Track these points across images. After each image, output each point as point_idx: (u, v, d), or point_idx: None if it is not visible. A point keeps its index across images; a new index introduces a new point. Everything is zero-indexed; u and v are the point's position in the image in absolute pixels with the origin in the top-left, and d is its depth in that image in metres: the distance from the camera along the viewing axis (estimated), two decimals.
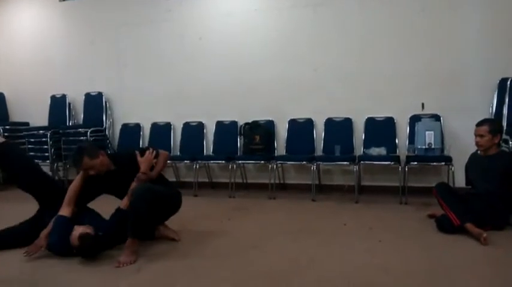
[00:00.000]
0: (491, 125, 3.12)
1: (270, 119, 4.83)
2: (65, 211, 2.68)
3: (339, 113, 4.62)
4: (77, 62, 5.64)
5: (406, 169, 4.07)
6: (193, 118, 5.13)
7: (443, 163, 3.96)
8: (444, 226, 3.00)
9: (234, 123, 4.93)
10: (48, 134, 5.14)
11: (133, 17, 5.35)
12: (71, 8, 5.70)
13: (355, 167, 4.20)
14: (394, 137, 4.41)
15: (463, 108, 4.25)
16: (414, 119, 4.31)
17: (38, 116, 5.65)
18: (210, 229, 3.28)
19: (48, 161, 5.14)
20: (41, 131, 5.17)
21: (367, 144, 4.43)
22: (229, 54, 5.00)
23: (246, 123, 4.76)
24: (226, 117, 4.99)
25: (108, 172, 2.76)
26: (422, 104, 4.38)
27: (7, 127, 5.44)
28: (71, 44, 5.69)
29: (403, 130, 4.42)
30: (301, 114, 4.74)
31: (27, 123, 5.71)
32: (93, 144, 2.87)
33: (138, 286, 2.21)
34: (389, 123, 4.44)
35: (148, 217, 2.58)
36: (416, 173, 4.24)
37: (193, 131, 5.10)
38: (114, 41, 5.47)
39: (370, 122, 4.51)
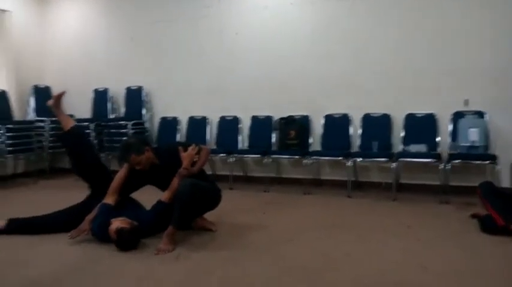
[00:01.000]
0: None
1: (306, 114, 4.80)
2: (109, 199, 2.80)
3: (376, 109, 4.52)
4: (118, 57, 5.83)
5: (448, 167, 3.93)
6: (229, 112, 5.19)
7: (487, 162, 3.80)
8: (488, 226, 2.89)
9: (269, 118, 4.95)
10: (92, 126, 5.36)
11: (172, 14, 5.46)
12: (112, 4, 5.90)
13: (393, 165, 4.11)
14: (435, 134, 4.27)
15: (509, 104, 4.05)
16: (457, 116, 4.16)
17: (83, 108, 5.89)
18: (246, 222, 3.31)
19: None
20: (85, 123, 5.39)
21: (406, 141, 4.32)
22: (265, 49, 5.01)
23: (282, 118, 4.76)
24: (262, 112, 5.01)
25: (152, 165, 2.87)
26: (466, 100, 4.21)
27: (53, 119, 5.70)
28: (113, 40, 5.89)
29: (444, 127, 4.27)
30: (337, 110, 4.68)
31: (72, 116, 5.95)
32: (139, 139, 2.96)
33: (176, 273, 2.28)
34: (430, 120, 4.31)
35: (192, 210, 2.68)
36: (458, 172, 4.08)
37: (228, 125, 5.15)
38: (154, 37, 5.61)
39: (410, 119, 4.39)
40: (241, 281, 2.14)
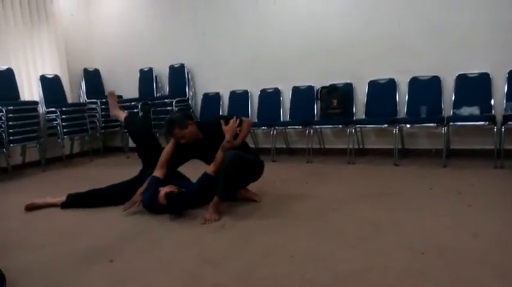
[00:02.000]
0: None
1: (349, 81, 4.66)
2: (158, 172, 2.94)
3: (425, 72, 4.30)
4: (161, 36, 5.94)
5: (503, 130, 3.69)
6: (270, 85, 5.16)
7: None
8: None
9: (310, 88, 4.87)
10: (139, 106, 5.56)
11: None
12: None
13: (443, 129, 3.92)
14: (489, 95, 4.00)
15: None
16: None
17: (130, 88, 6.11)
18: (289, 192, 3.34)
19: None
20: (133, 103, 5.61)
21: (457, 104, 4.09)
22: (304, 17, 4.88)
23: (323, 87, 4.67)
24: (303, 82, 4.93)
25: (197, 139, 2.95)
26: None
27: (103, 100, 5.98)
28: (155, 18, 5.99)
29: (499, 87, 3.99)
30: (382, 75, 4.50)
31: (120, 97, 6.21)
32: (182, 114, 3.05)
33: (222, 240, 2.37)
34: (483, 80, 4.03)
35: (236, 180, 2.76)
36: None
37: (270, 98, 5.14)
38: (193, 13, 5.64)
39: (461, 80, 4.14)
40: (285, 249, 2.18)
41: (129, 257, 2.22)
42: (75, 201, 3.19)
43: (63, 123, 5.30)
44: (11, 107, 4.70)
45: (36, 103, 5.09)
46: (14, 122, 4.71)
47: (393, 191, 3.18)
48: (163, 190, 2.76)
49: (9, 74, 5.05)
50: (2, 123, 4.64)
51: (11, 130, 4.69)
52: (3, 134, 4.65)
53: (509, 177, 3.36)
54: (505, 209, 2.60)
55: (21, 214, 3.24)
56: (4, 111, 4.64)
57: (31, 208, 3.24)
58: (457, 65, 4.15)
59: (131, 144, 5.88)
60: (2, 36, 5.13)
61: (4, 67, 5.04)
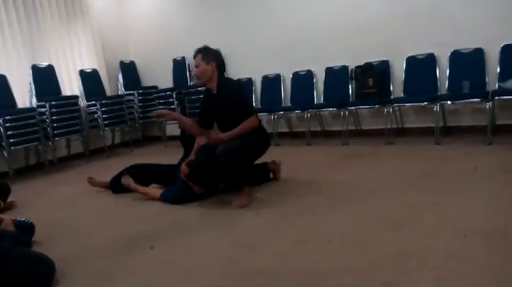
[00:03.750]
0: None
1: (385, 59, 4.48)
2: (200, 140, 3.02)
3: (466, 44, 4.05)
4: (192, 24, 5.94)
5: None
6: (302, 67, 5.06)
7: None
8: None
9: (344, 68, 4.73)
10: (174, 95, 5.65)
11: None
12: None
13: (488, 104, 3.70)
14: None
15: None
16: None
17: (165, 78, 6.20)
18: (324, 175, 3.29)
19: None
20: (168, 93, 5.71)
21: (502, 77, 3.83)
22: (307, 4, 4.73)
23: (357, 67, 4.52)
24: (336, 63, 4.80)
25: (212, 95, 2.83)
26: None
27: (140, 91, 6.14)
28: (186, 7, 6.01)
29: None
30: (420, 50, 4.29)
31: (156, 87, 6.34)
32: (219, 54, 2.83)
33: (259, 224, 2.39)
34: None
35: (241, 169, 2.69)
36: None
37: (303, 80, 5.05)
38: (217, 3, 5.62)
39: (507, 51, 3.85)
40: (322, 233, 2.16)
41: (168, 243, 2.28)
42: (135, 173, 3.28)
43: (104, 116, 5.49)
44: (54, 103, 4.92)
45: (77, 97, 5.29)
46: (58, 117, 4.93)
47: (434, 172, 3.05)
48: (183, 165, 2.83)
49: (50, 70, 5.27)
50: (47, 118, 4.88)
51: (55, 124, 4.92)
52: (48, 129, 4.89)
53: None
54: None
55: (68, 205, 3.41)
56: (48, 106, 4.87)
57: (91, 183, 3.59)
58: (502, 35, 3.87)
59: (169, 133, 6.04)
60: (41, 34, 5.33)
61: (45, 64, 5.26)
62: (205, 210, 2.78)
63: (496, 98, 3.66)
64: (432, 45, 4.22)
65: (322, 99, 4.90)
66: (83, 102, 5.57)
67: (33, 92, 5.06)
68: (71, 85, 5.70)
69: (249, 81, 5.51)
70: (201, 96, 3.37)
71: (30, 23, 5.20)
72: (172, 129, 6.03)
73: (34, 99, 5.06)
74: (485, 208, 2.25)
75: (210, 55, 2.74)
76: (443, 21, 4.14)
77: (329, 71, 4.85)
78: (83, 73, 5.70)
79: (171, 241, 2.31)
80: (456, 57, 4.09)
